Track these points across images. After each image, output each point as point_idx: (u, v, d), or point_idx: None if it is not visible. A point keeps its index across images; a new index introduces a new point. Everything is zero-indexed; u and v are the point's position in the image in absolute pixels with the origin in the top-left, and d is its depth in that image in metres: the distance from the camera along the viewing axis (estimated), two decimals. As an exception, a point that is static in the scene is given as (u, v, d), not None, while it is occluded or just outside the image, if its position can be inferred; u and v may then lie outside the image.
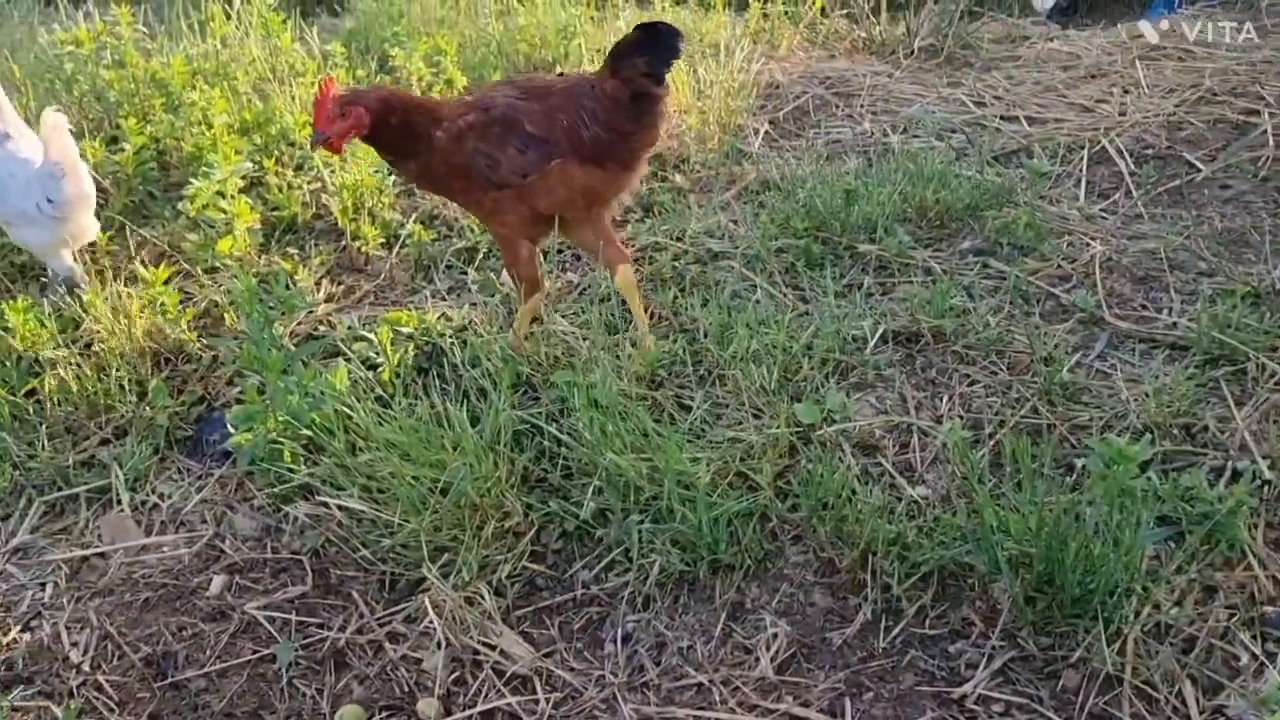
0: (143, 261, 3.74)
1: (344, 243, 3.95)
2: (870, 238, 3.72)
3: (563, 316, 3.31)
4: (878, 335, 3.21)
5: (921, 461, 2.79)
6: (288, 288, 3.40)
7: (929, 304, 3.29)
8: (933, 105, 4.99)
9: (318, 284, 3.73)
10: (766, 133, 4.77)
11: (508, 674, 2.39)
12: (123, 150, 4.27)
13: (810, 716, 2.23)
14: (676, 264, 3.62)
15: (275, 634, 2.54)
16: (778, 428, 2.82)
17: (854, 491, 2.61)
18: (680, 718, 2.24)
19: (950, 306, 3.27)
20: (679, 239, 3.77)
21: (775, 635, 2.43)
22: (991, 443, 2.81)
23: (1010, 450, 2.65)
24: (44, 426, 3.09)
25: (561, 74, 3.28)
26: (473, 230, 3.92)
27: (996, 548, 2.37)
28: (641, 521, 2.58)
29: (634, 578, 2.57)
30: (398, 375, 3.05)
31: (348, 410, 2.83)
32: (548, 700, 2.33)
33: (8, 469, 2.96)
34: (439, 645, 2.44)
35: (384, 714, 2.34)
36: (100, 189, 4.31)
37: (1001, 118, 4.82)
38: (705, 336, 3.20)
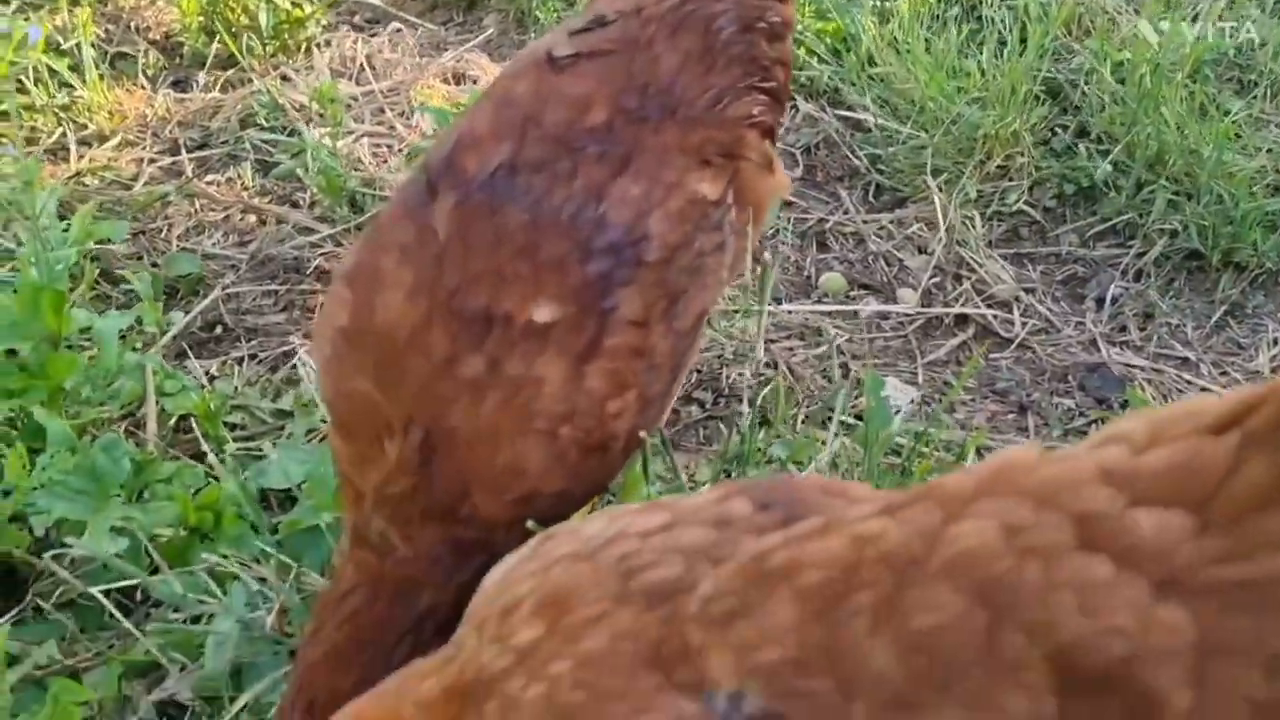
0: None
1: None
2: None
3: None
4: None
5: None
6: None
7: None
8: None
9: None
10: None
11: (986, 293, 2.43)
12: None
13: (1308, 416, 2.12)
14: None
15: (765, 204, 2.70)
16: (1334, 149, 2.55)
17: None
18: (1167, 373, 2.21)
19: None
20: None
21: (1277, 340, 2.30)
22: None
23: None
24: None
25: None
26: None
27: None
28: (1166, 191, 2.47)
29: (1131, 253, 2.50)
30: (922, 6, 3.00)
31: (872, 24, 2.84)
32: (1024, 325, 2.36)
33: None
34: (923, 251, 2.51)
35: (862, 291, 2.48)
36: None
37: None
38: (1259, 47, 2.89)
